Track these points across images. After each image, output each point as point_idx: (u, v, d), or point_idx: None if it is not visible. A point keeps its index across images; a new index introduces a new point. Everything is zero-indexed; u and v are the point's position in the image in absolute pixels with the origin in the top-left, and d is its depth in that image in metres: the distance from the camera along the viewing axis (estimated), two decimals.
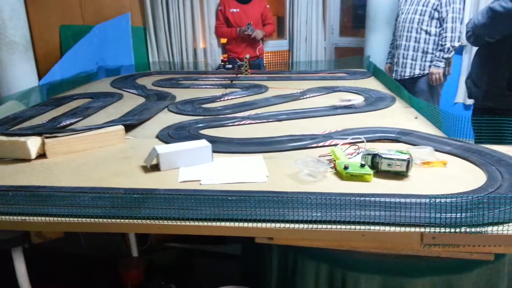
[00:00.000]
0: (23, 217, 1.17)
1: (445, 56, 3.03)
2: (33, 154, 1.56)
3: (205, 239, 2.48)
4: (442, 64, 3.06)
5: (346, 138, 1.62)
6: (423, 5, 3.07)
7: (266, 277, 1.47)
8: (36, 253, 1.36)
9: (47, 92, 2.68)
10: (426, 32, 3.09)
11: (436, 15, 3.04)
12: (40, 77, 3.10)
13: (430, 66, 3.13)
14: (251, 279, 1.77)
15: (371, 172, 1.31)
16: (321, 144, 1.63)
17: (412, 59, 3.18)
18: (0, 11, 2.73)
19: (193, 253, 2.50)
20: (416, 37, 3.14)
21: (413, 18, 3.12)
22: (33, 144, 1.56)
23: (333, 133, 1.74)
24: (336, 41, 4.67)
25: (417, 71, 3.18)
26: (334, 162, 1.39)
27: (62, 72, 3.03)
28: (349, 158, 1.45)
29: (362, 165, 1.32)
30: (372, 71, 3.17)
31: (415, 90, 3.16)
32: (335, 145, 1.58)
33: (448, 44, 3.01)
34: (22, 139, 1.56)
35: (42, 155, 1.59)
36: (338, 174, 1.34)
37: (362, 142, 1.55)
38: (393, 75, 3.34)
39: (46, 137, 1.59)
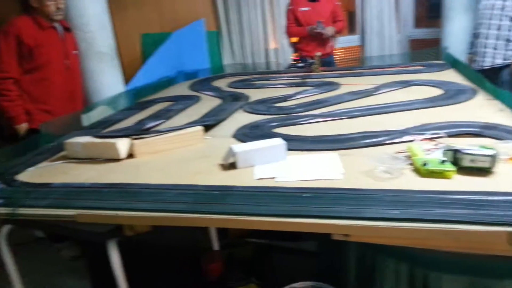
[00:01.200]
0: (116, 212, 1.28)
1: None
2: (123, 154, 1.69)
3: (282, 235, 2.52)
4: None
5: (424, 134, 1.57)
6: None
7: (344, 274, 1.48)
8: (128, 245, 1.47)
9: (132, 97, 2.89)
10: (511, 18, 2.87)
11: None
12: (125, 83, 3.33)
13: None
14: (328, 275, 1.78)
15: (453, 168, 1.26)
16: (397, 140, 1.59)
17: (493, 48, 2.97)
18: (89, 25, 2.99)
19: (270, 248, 2.55)
20: (498, 25, 2.92)
21: (495, 4, 2.91)
22: (122, 145, 1.69)
23: (410, 129, 1.69)
24: (410, 33, 4.48)
25: (498, 61, 2.96)
26: (411, 158, 1.35)
27: (145, 78, 3.23)
28: (428, 154, 1.40)
29: (443, 161, 1.28)
30: (450, 63, 3.01)
31: (497, 81, 2.95)
32: (412, 141, 1.54)
33: None
34: (112, 140, 1.70)
35: (130, 155, 1.71)
36: (416, 171, 1.31)
37: (442, 137, 1.50)
38: (474, 65, 3.14)
39: (134, 139, 1.72)
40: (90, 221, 1.30)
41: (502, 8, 2.89)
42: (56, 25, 2.75)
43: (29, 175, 1.64)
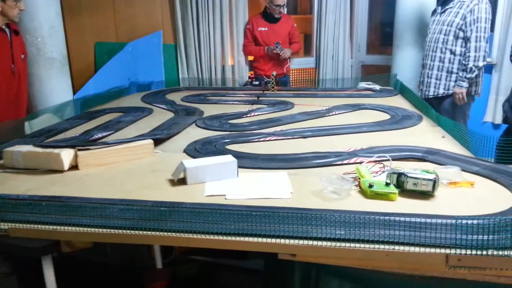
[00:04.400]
0: (55, 227, 1.21)
1: (468, 76, 2.96)
2: (66, 166, 1.61)
3: (228, 253, 2.49)
4: (465, 84, 2.99)
5: (371, 156, 1.62)
6: (448, 25, 3.03)
7: None
8: (64, 262, 1.39)
9: (81, 106, 2.79)
10: (451, 51, 3.05)
11: (461, 34, 2.99)
12: (75, 91, 3.21)
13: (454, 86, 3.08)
14: None
15: (396, 191, 1.30)
16: (346, 161, 1.63)
17: (436, 79, 3.15)
18: (40, 29, 2.87)
19: (215, 266, 2.51)
20: (440, 57, 3.11)
21: (438, 37, 3.10)
22: (66, 155, 1.61)
23: (358, 151, 1.75)
24: (363, 59, 4.66)
25: (441, 91, 3.14)
26: (358, 180, 1.39)
27: (96, 87, 3.14)
28: (374, 176, 1.45)
29: (387, 184, 1.32)
30: (399, 89, 3.15)
31: (440, 110, 3.11)
32: (360, 162, 1.58)
33: (470, 64, 2.94)
34: (56, 151, 1.62)
35: (74, 166, 1.64)
36: (363, 192, 1.34)
37: (388, 160, 1.55)
38: (420, 94, 3.31)
39: (79, 149, 1.65)
40: (24, 236, 1.23)
41: (444, 42, 3.07)
42: (5, 27, 2.62)
43: None
